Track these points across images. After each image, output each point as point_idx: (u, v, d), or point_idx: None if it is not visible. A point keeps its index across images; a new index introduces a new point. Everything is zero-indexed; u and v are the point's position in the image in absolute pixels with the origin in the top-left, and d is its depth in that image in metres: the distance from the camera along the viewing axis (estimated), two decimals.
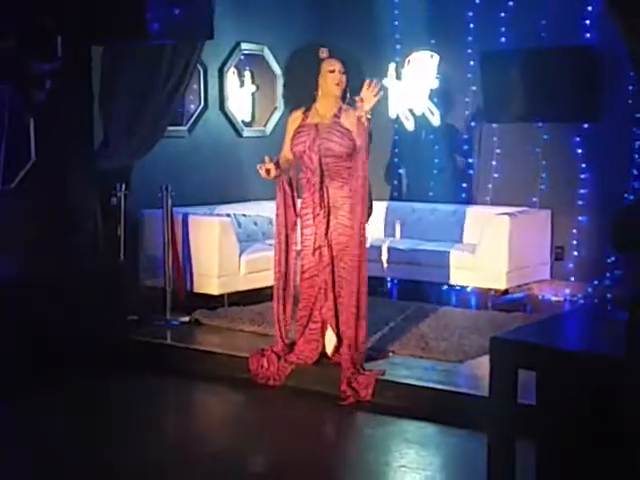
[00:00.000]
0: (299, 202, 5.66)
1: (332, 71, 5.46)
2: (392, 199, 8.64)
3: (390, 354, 5.57)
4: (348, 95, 5.51)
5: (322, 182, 5.48)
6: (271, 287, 7.07)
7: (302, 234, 5.65)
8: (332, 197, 5.49)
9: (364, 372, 5.38)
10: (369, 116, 5.22)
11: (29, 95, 6.28)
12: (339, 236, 5.50)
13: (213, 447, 4.79)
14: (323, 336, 5.64)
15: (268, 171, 5.49)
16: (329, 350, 5.64)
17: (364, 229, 5.43)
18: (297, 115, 5.58)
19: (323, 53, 5.50)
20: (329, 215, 5.51)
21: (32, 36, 6.19)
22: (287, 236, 5.65)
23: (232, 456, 4.61)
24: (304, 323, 5.67)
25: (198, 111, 7.99)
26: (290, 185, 5.63)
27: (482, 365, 5.46)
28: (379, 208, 7.88)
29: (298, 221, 5.66)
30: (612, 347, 3.46)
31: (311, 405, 5.35)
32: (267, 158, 5.50)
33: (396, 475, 4.40)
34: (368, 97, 5.21)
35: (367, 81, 5.26)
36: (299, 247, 5.71)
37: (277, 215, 5.70)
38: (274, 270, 5.75)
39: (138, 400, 5.55)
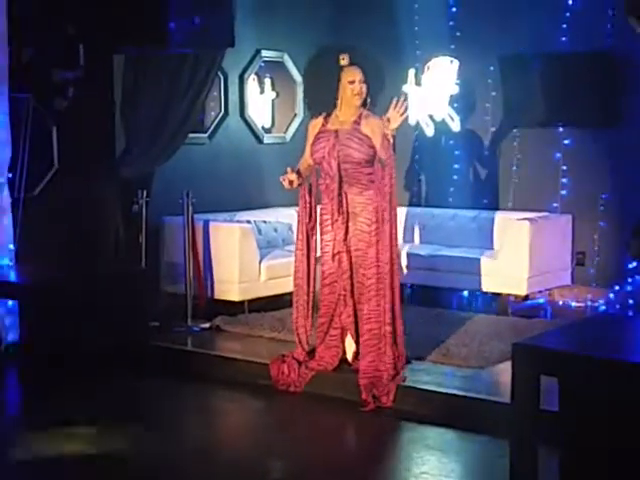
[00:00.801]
0: (319, 208, 5.67)
1: (352, 82, 5.43)
2: (412, 205, 8.63)
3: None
4: (369, 100, 5.51)
5: (341, 188, 5.48)
6: (291, 293, 7.14)
7: (322, 240, 5.66)
8: (351, 203, 5.50)
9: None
10: (394, 133, 5.28)
11: (52, 103, 6.35)
12: (358, 242, 5.51)
13: (233, 453, 4.80)
14: (343, 342, 5.65)
15: (291, 182, 5.51)
16: (349, 356, 5.65)
17: (394, 246, 5.45)
18: (317, 121, 5.58)
19: (344, 60, 5.44)
20: (348, 221, 5.52)
21: (54, 45, 6.25)
22: (307, 243, 5.66)
23: (252, 462, 4.61)
24: (324, 329, 5.67)
25: (219, 118, 8.03)
26: (310, 192, 5.64)
27: (503, 371, 5.45)
28: (399, 214, 7.84)
29: (317, 227, 5.67)
30: (634, 353, 3.45)
31: (331, 411, 5.36)
32: (289, 169, 5.52)
33: None
34: (395, 117, 5.26)
35: (395, 101, 5.29)
36: (319, 253, 5.72)
37: (298, 222, 5.72)
38: (294, 277, 5.76)
39: (158, 406, 5.57)
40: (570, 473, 3.47)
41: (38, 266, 6.30)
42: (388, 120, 5.26)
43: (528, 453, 3.52)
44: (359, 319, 5.53)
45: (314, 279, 5.71)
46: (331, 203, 5.52)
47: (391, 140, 5.29)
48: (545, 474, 3.52)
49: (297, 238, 5.73)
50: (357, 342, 5.55)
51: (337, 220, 5.50)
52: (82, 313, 6.14)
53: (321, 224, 5.65)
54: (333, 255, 5.55)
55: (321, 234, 5.65)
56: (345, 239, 5.52)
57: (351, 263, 5.54)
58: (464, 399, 5.15)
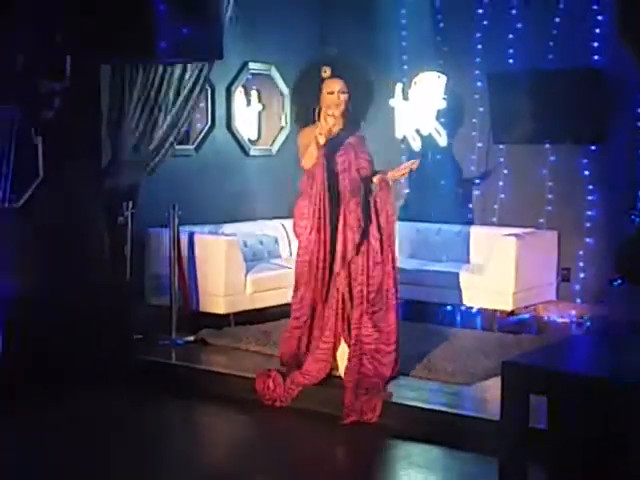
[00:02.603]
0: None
1: (331, 92, 5.51)
2: (398, 219, 8.60)
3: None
4: (350, 110, 5.53)
5: (340, 202, 5.51)
6: (277, 306, 7.12)
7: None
8: (348, 217, 5.51)
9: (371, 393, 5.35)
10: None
11: (37, 114, 6.29)
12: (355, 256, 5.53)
13: (216, 468, 4.76)
14: (334, 357, 5.61)
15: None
16: (342, 369, 5.60)
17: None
18: (310, 131, 5.53)
19: (325, 72, 5.53)
20: (345, 233, 5.53)
21: (41, 55, 6.20)
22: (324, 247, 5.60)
23: (236, 478, 4.57)
24: (317, 344, 5.64)
25: (205, 130, 8.01)
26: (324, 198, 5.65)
27: (489, 388, 5.44)
28: None
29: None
30: (624, 372, 3.44)
31: (317, 427, 5.32)
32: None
33: None
34: (396, 174, 5.65)
35: (404, 164, 5.73)
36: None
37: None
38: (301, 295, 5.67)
39: (141, 419, 5.52)
40: None
41: (21, 278, 6.23)
42: (391, 170, 5.64)
43: (517, 471, 3.51)
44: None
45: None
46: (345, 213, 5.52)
47: (390, 184, 5.63)
48: None
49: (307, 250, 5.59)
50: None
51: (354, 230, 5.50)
52: (66, 326, 6.08)
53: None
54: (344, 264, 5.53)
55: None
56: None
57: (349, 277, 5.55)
58: (450, 416, 5.13)
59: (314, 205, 5.47)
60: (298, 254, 5.65)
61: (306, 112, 5.64)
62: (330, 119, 5.43)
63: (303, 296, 5.60)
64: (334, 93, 5.50)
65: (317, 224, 5.47)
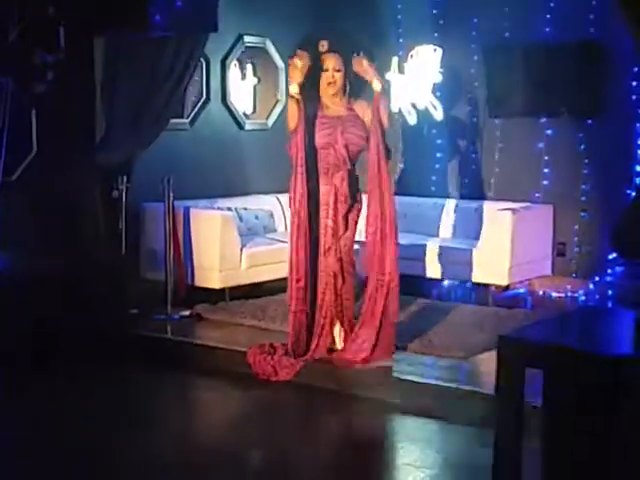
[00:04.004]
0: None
1: (326, 70, 5.44)
2: (393, 194, 8.58)
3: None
4: (348, 87, 5.48)
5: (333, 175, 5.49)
6: (272, 281, 7.11)
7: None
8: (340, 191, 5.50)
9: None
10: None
11: (31, 87, 6.24)
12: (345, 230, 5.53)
13: (213, 442, 4.77)
14: (331, 332, 5.60)
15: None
16: (339, 343, 5.61)
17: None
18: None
19: (323, 47, 5.45)
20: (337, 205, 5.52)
21: (34, 27, 6.15)
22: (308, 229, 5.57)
23: (233, 452, 4.58)
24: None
25: (200, 103, 7.95)
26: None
27: (485, 362, 5.45)
28: None
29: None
30: (619, 346, 3.45)
31: (314, 402, 5.33)
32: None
33: (400, 473, 4.38)
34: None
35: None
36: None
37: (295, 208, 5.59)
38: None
39: (137, 394, 5.52)
40: (554, 465, 3.47)
41: (16, 252, 6.22)
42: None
43: (512, 445, 3.52)
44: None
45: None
46: (332, 188, 5.47)
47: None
48: (529, 466, 3.51)
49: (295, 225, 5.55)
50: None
51: (345, 207, 5.48)
52: (61, 300, 6.07)
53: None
54: (331, 243, 5.51)
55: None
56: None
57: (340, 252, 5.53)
58: (447, 389, 5.14)
59: (294, 185, 5.46)
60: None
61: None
62: (326, 95, 5.41)
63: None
64: (328, 70, 5.43)
65: (299, 201, 5.46)
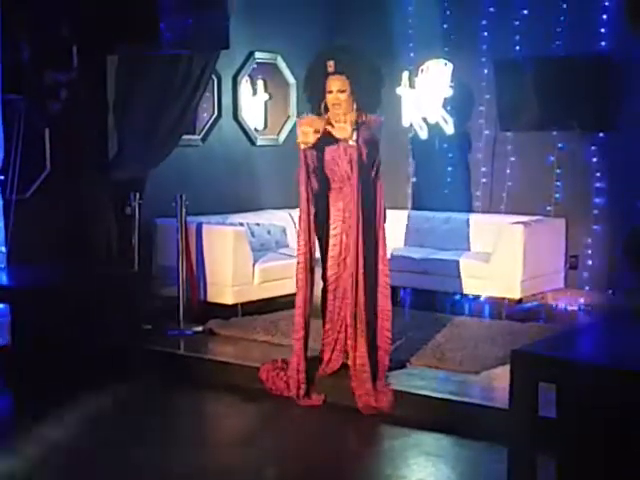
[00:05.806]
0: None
1: (330, 92, 5.41)
2: (405, 208, 8.61)
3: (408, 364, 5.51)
4: (355, 107, 5.43)
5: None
6: (285, 296, 7.11)
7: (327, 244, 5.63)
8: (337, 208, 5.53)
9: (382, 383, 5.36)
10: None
11: (44, 105, 6.30)
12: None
13: (226, 457, 4.76)
14: (346, 346, 5.59)
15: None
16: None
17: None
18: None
19: (330, 67, 5.41)
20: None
21: (47, 46, 6.20)
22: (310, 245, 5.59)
23: (245, 467, 4.58)
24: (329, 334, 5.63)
25: (212, 120, 8.00)
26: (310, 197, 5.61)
27: (498, 376, 5.44)
28: (392, 217, 7.84)
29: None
30: (634, 361, 3.44)
31: (327, 417, 5.32)
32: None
33: None
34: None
35: None
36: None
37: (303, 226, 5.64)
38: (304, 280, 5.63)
39: (150, 410, 5.52)
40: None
41: (30, 269, 6.25)
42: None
43: (526, 460, 3.51)
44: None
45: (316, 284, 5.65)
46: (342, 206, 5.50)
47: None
48: None
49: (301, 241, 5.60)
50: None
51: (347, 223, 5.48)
52: (74, 316, 6.09)
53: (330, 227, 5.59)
54: (341, 259, 5.52)
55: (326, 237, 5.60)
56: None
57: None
58: (460, 404, 5.13)
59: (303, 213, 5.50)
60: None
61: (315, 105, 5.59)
62: (333, 115, 5.41)
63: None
64: (332, 92, 5.39)
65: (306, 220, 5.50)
